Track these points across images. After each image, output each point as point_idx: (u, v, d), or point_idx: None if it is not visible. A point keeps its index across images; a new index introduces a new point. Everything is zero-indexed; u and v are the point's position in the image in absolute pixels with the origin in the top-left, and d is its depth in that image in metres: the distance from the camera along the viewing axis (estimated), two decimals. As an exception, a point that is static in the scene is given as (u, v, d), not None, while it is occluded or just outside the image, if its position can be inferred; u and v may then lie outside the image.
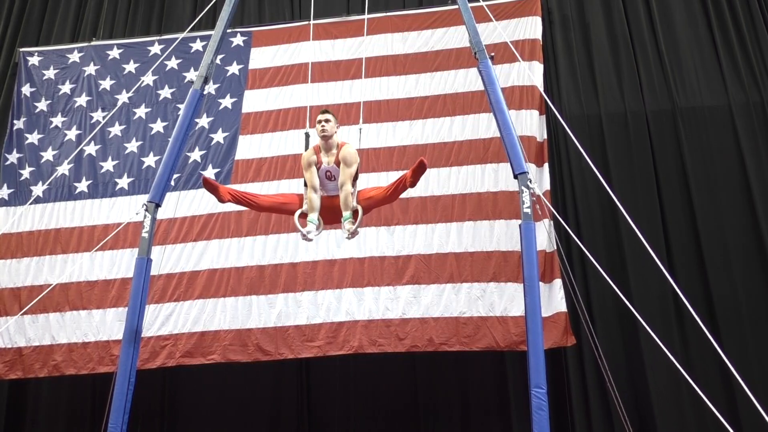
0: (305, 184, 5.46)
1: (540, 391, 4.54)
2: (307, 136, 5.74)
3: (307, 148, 5.64)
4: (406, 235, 7.70)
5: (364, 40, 8.02)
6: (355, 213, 5.25)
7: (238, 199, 5.58)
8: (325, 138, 5.40)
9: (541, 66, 8.25)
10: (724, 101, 8.27)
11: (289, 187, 8.01)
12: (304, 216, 5.38)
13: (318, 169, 5.41)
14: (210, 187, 5.47)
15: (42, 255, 8.28)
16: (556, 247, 7.09)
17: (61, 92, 9.28)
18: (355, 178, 5.38)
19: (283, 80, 8.84)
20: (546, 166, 7.78)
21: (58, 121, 9.10)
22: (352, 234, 5.22)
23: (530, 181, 5.10)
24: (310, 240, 5.35)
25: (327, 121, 5.38)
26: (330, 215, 5.38)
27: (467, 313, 7.28)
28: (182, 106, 8.09)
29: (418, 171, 5.17)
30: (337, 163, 5.36)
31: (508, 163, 5.34)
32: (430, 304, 7.36)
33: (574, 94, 8.60)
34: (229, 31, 7.89)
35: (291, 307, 7.61)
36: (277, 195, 5.93)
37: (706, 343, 5.03)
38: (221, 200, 5.55)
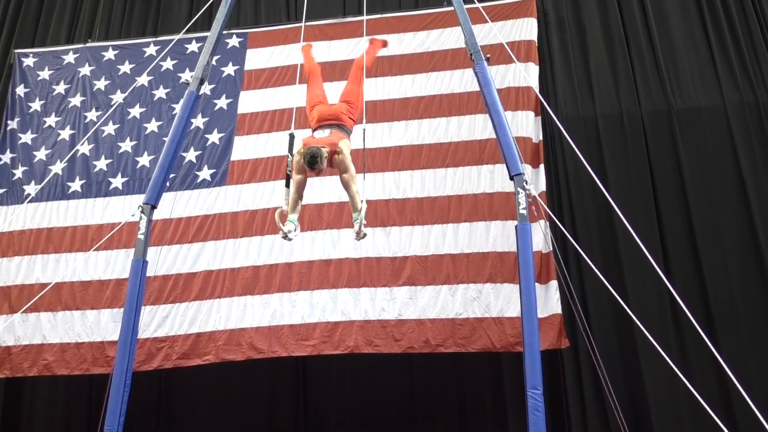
0: (287, 184, 5.52)
1: (536, 392, 4.55)
2: (292, 137, 5.78)
3: (290, 149, 5.66)
4: (403, 236, 7.68)
5: (361, 41, 8.00)
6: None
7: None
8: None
9: (537, 67, 8.25)
10: (719, 102, 8.28)
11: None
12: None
13: None
14: None
15: (34, 254, 8.26)
16: (552, 248, 7.09)
17: (55, 92, 9.26)
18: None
19: (279, 81, 8.83)
20: (542, 167, 7.78)
21: (51, 120, 9.08)
22: (360, 235, 5.26)
23: (526, 183, 5.11)
24: (291, 240, 5.42)
25: (320, 172, 5.40)
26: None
27: (463, 315, 7.27)
28: (177, 106, 8.12)
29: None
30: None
31: (504, 164, 5.34)
32: (426, 306, 7.35)
33: (570, 95, 8.61)
34: (225, 32, 7.88)
35: (286, 306, 7.59)
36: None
37: (703, 345, 5.03)
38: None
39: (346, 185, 5.41)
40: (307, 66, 6.30)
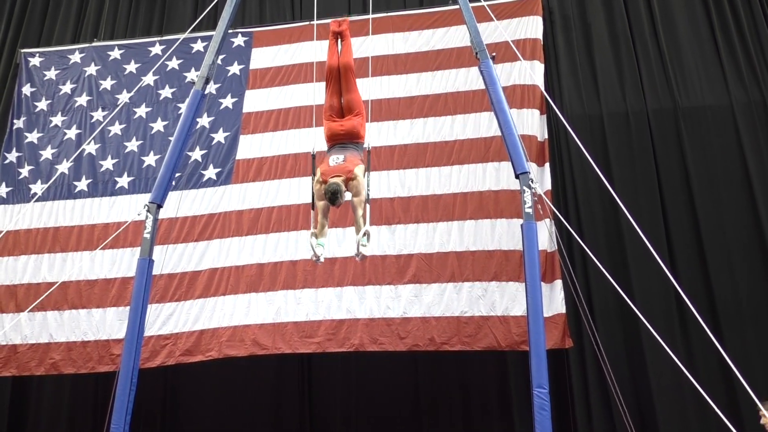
0: (313, 207, 5.66)
1: (542, 391, 4.54)
2: (314, 157, 5.86)
3: (313, 169, 5.74)
4: (408, 234, 7.69)
5: (366, 39, 8.00)
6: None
7: None
8: None
9: (542, 65, 8.24)
10: (725, 100, 8.25)
11: (290, 186, 8.04)
12: None
13: None
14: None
15: (40, 253, 8.30)
16: (557, 247, 7.08)
17: (61, 92, 9.29)
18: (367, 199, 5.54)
19: (284, 80, 8.84)
20: (547, 165, 7.78)
21: (57, 120, 9.12)
22: (362, 257, 5.43)
23: (532, 181, 5.10)
24: (322, 262, 5.68)
25: (340, 205, 5.48)
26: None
27: (468, 313, 7.27)
28: (183, 106, 8.14)
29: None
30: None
31: (510, 162, 5.34)
32: (431, 304, 7.35)
33: (576, 93, 8.59)
34: (230, 31, 7.88)
35: (290, 304, 7.60)
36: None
37: (709, 343, 5.02)
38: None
39: (354, 208, 5.49)
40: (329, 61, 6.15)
